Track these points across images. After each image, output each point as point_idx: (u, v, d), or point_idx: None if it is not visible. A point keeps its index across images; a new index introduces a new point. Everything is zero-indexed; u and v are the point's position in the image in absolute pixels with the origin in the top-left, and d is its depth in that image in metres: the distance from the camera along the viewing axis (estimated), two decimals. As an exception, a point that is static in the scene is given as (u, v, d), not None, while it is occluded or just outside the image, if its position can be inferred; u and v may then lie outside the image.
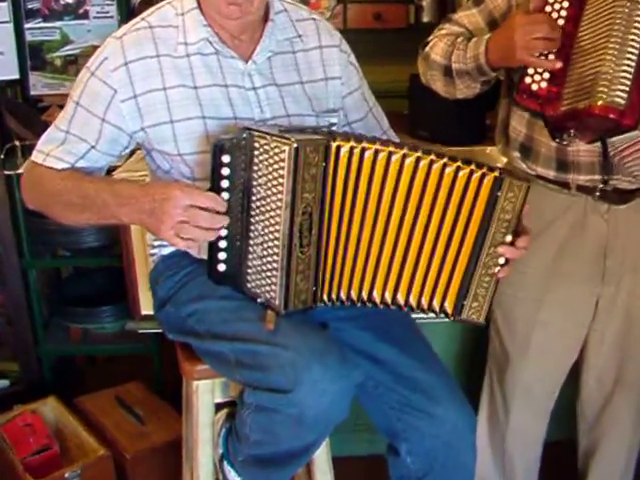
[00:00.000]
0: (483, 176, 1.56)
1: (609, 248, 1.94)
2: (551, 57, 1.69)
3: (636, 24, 1.60)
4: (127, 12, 2.92)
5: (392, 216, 1.58)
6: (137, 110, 1.69)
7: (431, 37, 2.01)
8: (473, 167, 1.55)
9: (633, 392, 2.11)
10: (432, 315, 1.66)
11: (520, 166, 1.96)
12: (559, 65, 1.68)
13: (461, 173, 1.55)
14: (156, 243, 1.86)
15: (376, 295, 1.63)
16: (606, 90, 1.58)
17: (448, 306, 1.64)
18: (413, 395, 1.67)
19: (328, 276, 1.58)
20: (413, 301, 1.63)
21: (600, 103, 1.58)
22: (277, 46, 1.76)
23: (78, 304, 2.94)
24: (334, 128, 1.81)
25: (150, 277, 1.89)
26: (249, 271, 1.58)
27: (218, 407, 1.85)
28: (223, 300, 1.64)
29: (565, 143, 1.76)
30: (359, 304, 1.63)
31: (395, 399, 1.69)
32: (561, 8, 1.70)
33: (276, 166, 1.49)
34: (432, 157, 1.54)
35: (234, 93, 1.72)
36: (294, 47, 1.79)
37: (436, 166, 1.55)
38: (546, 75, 1.70)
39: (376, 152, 1.53)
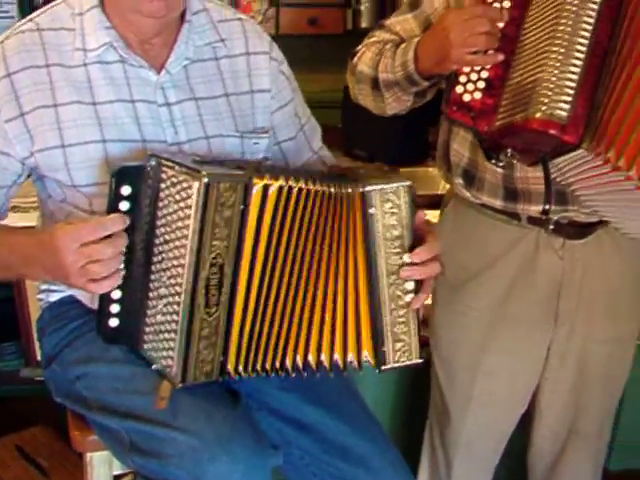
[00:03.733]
0: (348, 196, 1.32)
1: (564, 288, 1.74)
2: (490, 58, 1.47)
3: (584, 25, 1.38)
4: (30, 11, 2.61)
5: (304, 266, 1.34)
6: (26, 132, 1.43)
7: (360, 46, 1.78)
8: (338, 188, 1.32)
9: (589, 444, 1.93)
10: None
11: (464, 194, 1.75)
12: (501, 57, 1.46)
13: (333, 200, 1.33)
14: (43, 287, 1.60)
15: (288, 361, 1.38)
16: (546, 101, 1.35)
17: (369, 356, 1.40)
18: (346, 466, 1.46)
19: (244, 344, 1.33)
20: (325, 359, 1.39)
21: (538, 116, 1.35)
22: (195, 52, 1.51)
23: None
24: (262, 155, 1.58)
25: (37, 326, 1.63)
26: (147, 329, 1.33)
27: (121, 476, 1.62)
28: (115, 364, 1.40)
29: (502, 165, 1.54)
30: (272, 374, 1.39)
31: (326, 471, 1.48)
32: (501, 8, 1.48)
33: (182, 204, 1.25)
34: (318, 187, 1.32)
35: (143, 110, 1.46)
36: (217, 53, 1.54)
37: (317, 197, 1.32)
38: (481, 84, 1.48)
39: (299, 191, 1.30)
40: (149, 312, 1.32)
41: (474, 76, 1.48)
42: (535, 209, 1.66)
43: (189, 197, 1.22)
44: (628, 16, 1.39)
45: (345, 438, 1.47)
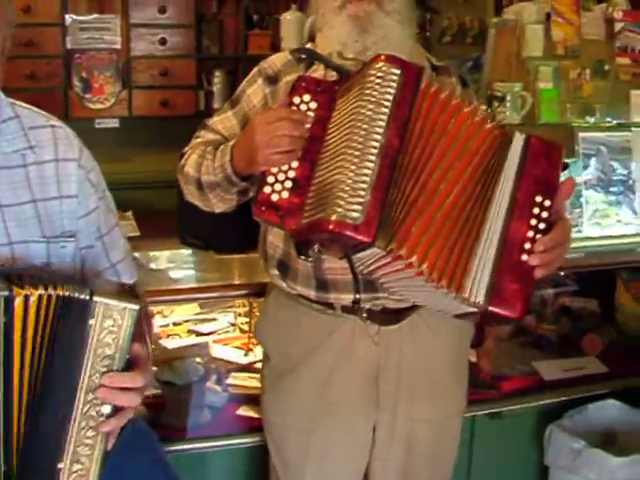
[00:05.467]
0: (80, 303, 1.28)
1: (381, 372, 1.79)
2: (295, 164, 1.52)
3: (377, 128, 1.44)
4: None
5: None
6: None
7: (187, 147, 1.83)
8: (76, 293, 1.28)
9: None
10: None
11: (280, 285, 1.80)
12: (304, 157, 1.51)
13: (44, 302, 1.28)
14: None
15: None
16: (342, 203, 1.40)
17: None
18: None
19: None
20: None
21: (334, 217, 1.40)
22: (3, 160, 1.49)
23: None
24: (68, 258, 1.56)
25: None
26: None
27: None
28: None
29: (311, 259, 1.58)
30: None
31: None
32: (308, 109, 1.54)
33: None
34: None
35: None
36: (25, 160, 1.51)
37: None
38: (288, 184, 1.51)
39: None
40: None
41: (281, 176, 1.52)
42: (346, 298, 1.72)
43: None
44: (420, 117, 1.48)
45: None
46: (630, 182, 2.82)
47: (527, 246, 1.48)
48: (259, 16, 4.53)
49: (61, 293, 1.28)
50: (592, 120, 2.94)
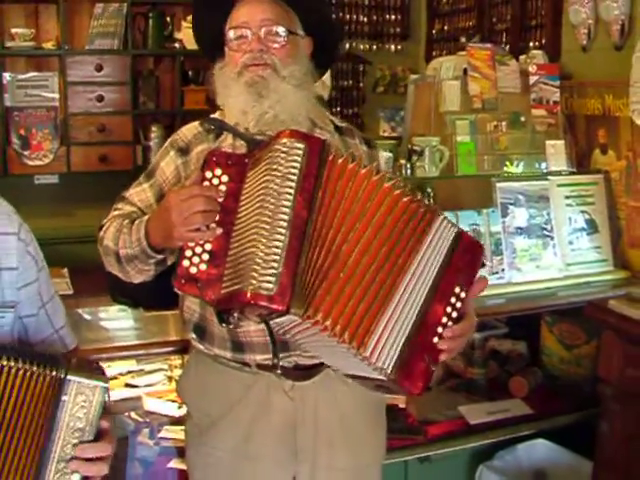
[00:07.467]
0: (40, 377, 1.34)
1: (298, 426, 1.85)
2: (209, 233, 1.57)
3: (285, 201, 1.49)
4: None
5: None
6: None
7: (106, 220, 1.86)
8: (42, 369, 1.34)
9: None
10: None
11: (198, 347, 1.86)
12: (219, 231, 1.57)
13: (20, 374, 1.34)
14: None
15: None
16: (256, 275, 1.46)
17: None
18: None
19: None
20: None
21: (250, 289, 1.46)
22: None
23: None
24: (7, 327, 1.59)
25: None
26: None
27: None
28: None
29: (232, 326, 1.64)
30: None
31: None
32: (220, 183, 1.60)
33: None
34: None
35: None
36: None
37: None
38: (205, 256, 1.57)
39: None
40: None
41: (199, 249, 1.57)
42: (261, 358, 1.79)
43: None
44: (323, 186, 1.53)
45: None
46: (549, 228, 2.94)
47: (439, 330, 1.56)
48: (194, 72, 4.61)
49: (41, 371, 1.34)
50: (510, 170, 3.06)
